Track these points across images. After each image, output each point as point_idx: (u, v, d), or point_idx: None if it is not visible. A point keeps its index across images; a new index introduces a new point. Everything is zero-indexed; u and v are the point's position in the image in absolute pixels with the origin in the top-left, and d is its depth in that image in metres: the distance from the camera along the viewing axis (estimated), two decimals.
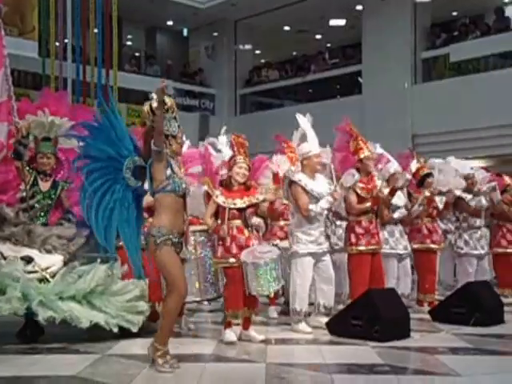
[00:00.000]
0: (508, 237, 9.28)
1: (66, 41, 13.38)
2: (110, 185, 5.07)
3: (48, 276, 5.94)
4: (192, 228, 6.32)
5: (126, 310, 5.97)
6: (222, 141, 7.50)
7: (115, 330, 5.78)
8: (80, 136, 5.32)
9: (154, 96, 4.99)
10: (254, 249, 6.09)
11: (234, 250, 6.07)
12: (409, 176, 7.94)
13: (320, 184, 6.75)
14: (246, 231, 6.19)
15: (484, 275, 8.68)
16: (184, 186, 5.05)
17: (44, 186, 6.60)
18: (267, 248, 6.29)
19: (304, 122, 6.92)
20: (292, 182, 6.71)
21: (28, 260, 5.96)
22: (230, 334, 6.03)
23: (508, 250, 9.23)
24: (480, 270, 8.72)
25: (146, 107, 5.10)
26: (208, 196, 6.39)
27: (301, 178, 6.68)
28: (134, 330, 5.89)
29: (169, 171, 4.96)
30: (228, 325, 6.10)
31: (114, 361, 5.34)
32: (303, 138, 6.84)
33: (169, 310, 4.99)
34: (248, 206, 6.19)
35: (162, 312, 5.10)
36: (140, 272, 5.15)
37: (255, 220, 6.63)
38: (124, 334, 5.97)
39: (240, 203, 6.14)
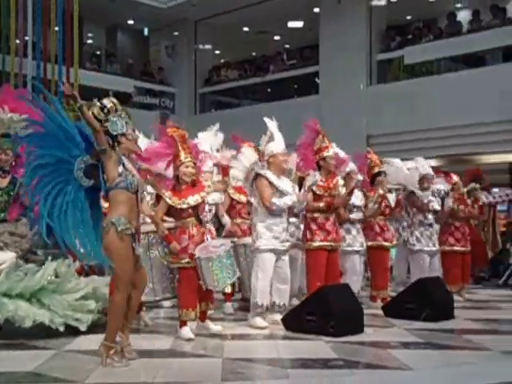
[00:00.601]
0: (455, 235, 9.49)
1: (26, 38, 13.27)
2: (62, 187, 5.06)
3: None
4: (144, 228, 6.28)
5: (74, 308, 5.92)
6: (203, 137, 7.51)
7: (61, 328, 5.75)
8: (28, 146, 5.33)
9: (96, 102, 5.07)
10: (208, 244, 6.17)
11: (191, 249, 6.11)
12: (360, 176, 8.09)
13: (285, 184, 6.84)
14: (200, 227, 6.28)
15: (436, 271, 8.84)
16: (136, 183, 5.06)
17: (2, 182, 6.57)
18: (220, 242, 6.41)
19: (272, 124, 6.98)
20: (258, 175, 6.79)
21: None
22: (187, 332, 6.08)
23: (455, 248, 9.45)
24: (432, 267, 8.87)
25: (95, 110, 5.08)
26: (157, 197, 6.40)
27: (267, 172, 6.77)
28: (83, 328, 5.86)
29: (121, 168, 4.99)
30: (183, 323, 6.14)
31: (70, 356, 5.34)
32: (270, 139, 6.90)
33: (115, 307, 5.00)
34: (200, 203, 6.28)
35: (108, 310, 5.10)
36: (107, 264, 5.10)
37: (226, 219, 6.75)
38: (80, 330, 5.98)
39: (192, 201, 6.19)
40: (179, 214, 6.20)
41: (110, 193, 5.03)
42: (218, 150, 7.47)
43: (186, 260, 6.11)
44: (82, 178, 5.08)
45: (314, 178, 7.27)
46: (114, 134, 5.04)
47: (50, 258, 6.16)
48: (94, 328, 6.01)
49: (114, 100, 5.14)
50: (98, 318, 6.09)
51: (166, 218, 6.34)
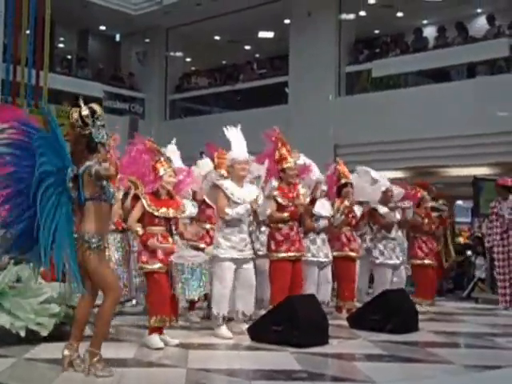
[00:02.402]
0: (424, 248, 9.58)
1: None
2: (59, 198, 4.95)
3: None
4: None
5: (36, 312, 5.84)
6: (172, 149, 7.53)
7: (22, 333, 5.67)
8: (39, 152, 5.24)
9: (82, 104, 5.02)
10: (184, 253, 6.23)
11: (160, 255, 6.12)
12: (324, 186, 8.11)
13: (246, 192, 6.81)
14: (170, 239, 6.29)
15: (400, 284, 8.86)
16: (114, 194, 5.14)
17: None
18: (194, 253, 6.44)
19: (231, 133, 6.96)
20: (214, 185, 6.81)
21: None
22: (156, 341, 6.05)
23: (425, 262, 9.54)
24: (397, 279, 8.91)
25: (75, 114, 5.03)
26: (134, 198, 6.37)
27: (223, 183, 6.79)
28: (44, 333, 5.78)
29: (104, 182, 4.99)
30: (154, 330, 6.10)
31: (31, 365, 5.27)
32: (230, 147, 6.93)
33: (105, 314, 5.01)
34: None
35: (97, 317, 5.07)
36: (81, 286, 4.92)
37: (196, 229, 6.77)
38: (40, 337, 5.90)
39: (171, 213, 6.25)
40: (150, 221, 6.19)
41: (87, 203, 4.96)
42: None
43: (158, 265, 6.10)
44: (72, 189, 4.97)
45: (271, 184, 7.30)
46: (96, 141, 5.00)
47: (12, 262, 6.09)
48: (55, 336, 5.92)
49: (100, 108, 5.11)
50: (60, 323, 6.01)
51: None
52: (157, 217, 6.19)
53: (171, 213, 6.26)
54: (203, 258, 6.29)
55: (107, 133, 5.13)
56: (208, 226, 7.88)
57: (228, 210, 6.64)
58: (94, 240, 4.90)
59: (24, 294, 5.94)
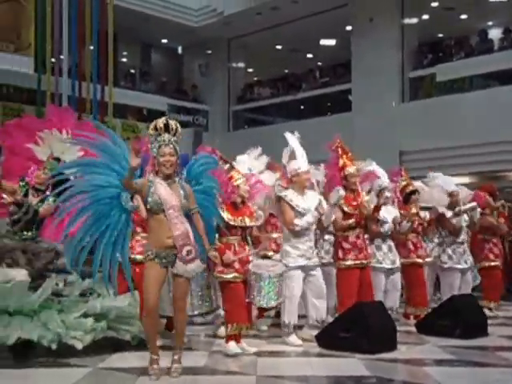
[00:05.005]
0: (495, 250, 9.44)
1: (61, 57, 13.50)
2: (107, 212, 5.35)
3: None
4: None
5: (71, 327, 5.83)
6: (243, 160, 7.52)
7: (54, 346, 5.69)
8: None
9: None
10: (262, 262, 6.34)
11: (237, 265, 6.22)
12: (389, 193, 8.04)
13: (309, 200, 6.86)
14: (246, 247, 6.39)
15: (467, 289, 8.75)
16: (161, 202, 5.19)
17: (33, 200, 6.70)
18: (272, 263, 6.54)
19: (293, 140, 7.02)
20: (279, 198, 6.86)
21: None
22: (235, 347, 6.16)
23: (495, 263, 9.38)
24: (463, 284, 8.79)
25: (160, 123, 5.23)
26: None
27: (287, 193, 6.82)
28: (79, 347, 5.77)
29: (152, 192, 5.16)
30: (231, 338, 6.21)
31: (105, 374, 5.40)
32: (292, 156, 6.95)
33: (144, 323, 5.31)
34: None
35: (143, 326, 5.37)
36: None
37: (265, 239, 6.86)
38: (119, 347, 6.09)
39: (248, 222, 6.36)
40: (229, 231, 6.29)
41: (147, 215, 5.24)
42: (261, 173, 7.53)
43: (234, 275, 6.20)
44: (127, 201, 5.28)
45: (338, 193, 7.29)
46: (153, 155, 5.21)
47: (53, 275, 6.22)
48: (128, 345, 6.13)
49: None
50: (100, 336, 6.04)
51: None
52: (234, 226, 6.28)
53: (248, 222, 6.36)
54: (281, 268, 6.40)
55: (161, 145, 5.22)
56: (275, 234, 7.94)
57: (297, 221, 6.70)
58: (148, 250, 5.15)
59: (68, 308, 5.98)
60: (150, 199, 5.07)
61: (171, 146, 5.16)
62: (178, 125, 5.27)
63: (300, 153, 6.95)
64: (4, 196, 6.70)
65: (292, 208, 6.75)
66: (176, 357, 5.24)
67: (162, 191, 5.10)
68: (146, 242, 5.46)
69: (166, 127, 5.18)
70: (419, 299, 8.19)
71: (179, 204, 5.12)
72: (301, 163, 6.90)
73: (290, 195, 6.81)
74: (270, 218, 7.94)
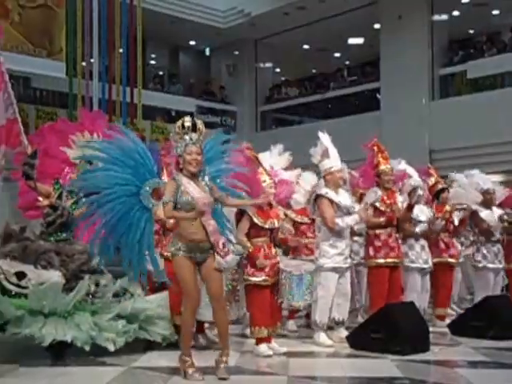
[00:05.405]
0: None
1: (92, 60, 13.68)
2: (128, 210, 5.47)
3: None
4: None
5: (104, 328, 5.85)
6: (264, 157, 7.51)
7: (87, 347, 5.68)
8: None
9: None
10: (291, 262, 6.42)
11: (267, 268, 6.21)
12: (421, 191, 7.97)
13: (344, 198, 6.88)
14: (273, 249, 6.39)
15: (497, 289, 8.64)
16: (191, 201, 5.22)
17: (67, 202, 6.73)
18: (302, 262, 6.62)
19: (325, 139, 7.00)
20: (318, 196, 6.82)
21: (21, 275, 5.94)
22: (265, 349, 6.15)
23: None
24: (495, 284, 8.64)
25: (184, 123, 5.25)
26: (239, 212, 6.37)
27: (327, 191, 6.79)
28: (111, 349, 5.77)
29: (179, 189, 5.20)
30: (260, 340, 6.21)
31: (139, 373, 5.44)
32: (325, 155, 6.93)
33: (183, 320, 5.24)
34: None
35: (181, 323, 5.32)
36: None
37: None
38: (149, 346, 6.13)
39: (276, 223, 6.35)
40: (256, 233, 6.28)
41: None
42: (285, 169, 7.52)
43: (263, 278, 6.20)
44: (149, 200, 5.36)
45: (376, 194, 7.31)
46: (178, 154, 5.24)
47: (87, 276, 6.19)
48: (158, 345, 6.15)
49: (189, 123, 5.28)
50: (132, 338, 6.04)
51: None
52: (263, 228, 6.27)
53: (276, 223, 6.34)
54: (311, 266, 6.43)
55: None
56: (305, 240, 7.88)
57: (338, 221, 6.66)
58: (172, 246, 5.21)
59: (91, 309, 5.98)
60: (183, 199, 5.10)
61: (198, 145, 5.20)
62: (203, 125, 5.31)
63: (333, 151, 6.93)
64: (40, 199, 6.77)
65: (333, 205, 6.72)
66: (224, 358, 5.22)
67: (193, 190, 5.14)
68: (172, 237, 5.46)
69: (194, 126, 5.21)
70: (444, 299, 8.19)
71: (209, 201, 5.17)
72: (334, 162, 6.89)
73: (330, 193, 6.79)
74: (298, 226, 7.90)
